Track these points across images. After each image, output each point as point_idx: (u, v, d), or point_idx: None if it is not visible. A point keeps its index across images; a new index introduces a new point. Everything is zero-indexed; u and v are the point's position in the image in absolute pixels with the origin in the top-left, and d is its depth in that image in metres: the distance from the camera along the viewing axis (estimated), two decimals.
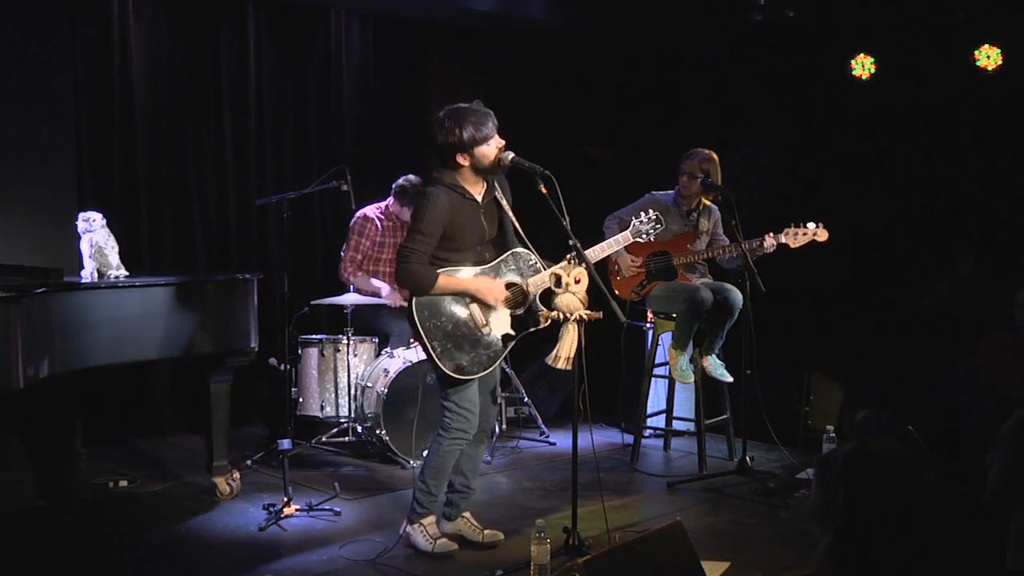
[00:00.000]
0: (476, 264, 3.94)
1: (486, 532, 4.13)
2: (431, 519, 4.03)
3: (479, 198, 3.93)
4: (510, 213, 4.02)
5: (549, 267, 3.95)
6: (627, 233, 4.16)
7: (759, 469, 5.19)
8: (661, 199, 5.49)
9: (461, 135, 3.79)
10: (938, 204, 6.52)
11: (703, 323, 5.28)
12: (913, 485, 1.80)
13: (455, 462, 4.08)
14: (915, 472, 1.82)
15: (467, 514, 4.16)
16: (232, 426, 4.94)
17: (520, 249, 4.02)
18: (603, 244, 4.13)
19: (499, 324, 3.94)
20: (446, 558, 3.96)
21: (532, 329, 4.00)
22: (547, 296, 3.95)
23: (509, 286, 3.96)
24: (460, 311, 3.87)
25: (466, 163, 3.85)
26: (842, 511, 1.81)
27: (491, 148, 3.85)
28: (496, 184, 4.00)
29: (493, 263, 3.97)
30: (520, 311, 3.97)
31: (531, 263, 4.01)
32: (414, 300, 3.84)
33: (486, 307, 3.91)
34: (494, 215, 4.00)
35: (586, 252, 3.92)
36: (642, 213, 4.16)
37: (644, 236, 4.15)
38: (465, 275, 3.88)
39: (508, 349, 3.98)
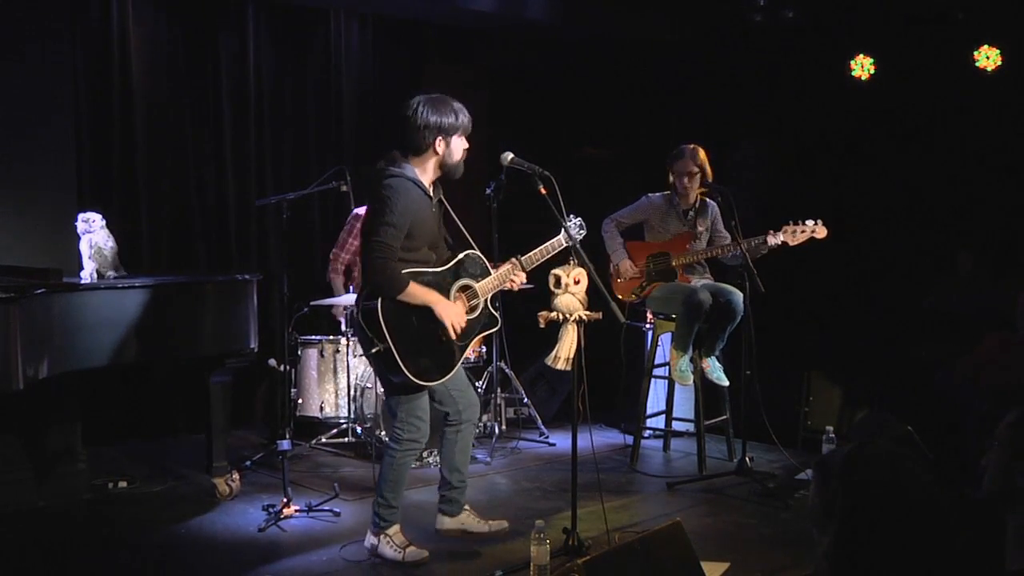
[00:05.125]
0: (434, 265, 3.83)
1: (491, 522, 4.08)
2: (395, 528, 3.92)
3: (432, 197, 3.87)
4: (454, 216, 3.96)
5: (497, 268, 3.94)
6: (559, 238, 3.97)
7: (759, 470, 5.18)
8: (657, 200, 5.50)
9: (458, 116, 3.76)
10: (938, 204, 6.52)
11: (704, 324, 5.28)
12: (912, 486, 1.80)
13: (447, 457, 4.04)
14: (914, 473, 1.82)
15: (467, 507, 4.10)
16: (232, 427, 4.95)
17: (472, 252, 3.96)
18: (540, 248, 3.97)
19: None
20: (422, 564, 3.85)
21: (483, 333, 3.98)
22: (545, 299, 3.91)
23: (464, 289, 3.91)
24: (424, 315, 3.73)
25: (441, 150, 3.78)
26: (841, 512, 1.81)
27: (463, 143, 3.82)
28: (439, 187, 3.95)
29: (450, 265, 3.88)
30: (474, 315, 3.91)
31: (482, 265, 3.96)
32: (380, 301, 3.66)
33: None
34: (440, 216, 3.94)
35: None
36: (571, 216, 3.98)
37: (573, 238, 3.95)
38: (428, 290, 3.73)
39: (464, 354, 3.89)
